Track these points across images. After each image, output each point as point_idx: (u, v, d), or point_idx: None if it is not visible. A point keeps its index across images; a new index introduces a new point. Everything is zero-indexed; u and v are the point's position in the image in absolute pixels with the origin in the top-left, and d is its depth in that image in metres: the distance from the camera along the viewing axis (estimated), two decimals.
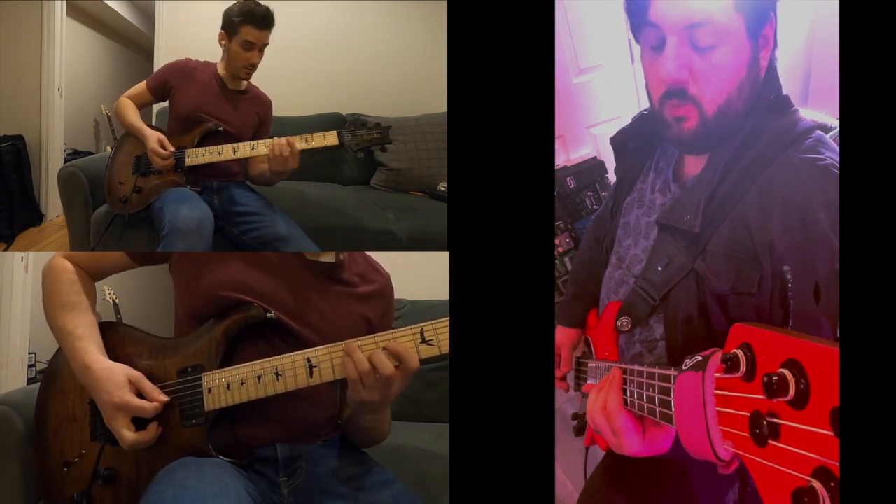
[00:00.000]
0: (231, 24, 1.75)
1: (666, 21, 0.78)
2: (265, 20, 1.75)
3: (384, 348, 0.90)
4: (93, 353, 0.96)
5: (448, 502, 1.00)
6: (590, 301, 1.12)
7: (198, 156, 1.72)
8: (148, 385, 0.95)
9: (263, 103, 1.92)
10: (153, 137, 1.72)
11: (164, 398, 0.95)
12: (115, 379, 0.93)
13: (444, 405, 1.69)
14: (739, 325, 0.53)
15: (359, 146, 1.66)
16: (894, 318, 0.62)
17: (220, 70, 1.83)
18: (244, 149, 1.68)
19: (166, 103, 1.91)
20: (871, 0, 0.72)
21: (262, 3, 1.78)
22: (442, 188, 2.48)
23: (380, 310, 1.13)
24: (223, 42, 1.79)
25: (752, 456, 0.48)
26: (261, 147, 1.66)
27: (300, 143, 1.63)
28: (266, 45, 1.78)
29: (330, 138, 1.65)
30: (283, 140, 1.60)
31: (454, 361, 1.00)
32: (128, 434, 0.92)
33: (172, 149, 1.73)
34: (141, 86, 1.87)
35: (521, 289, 1.01)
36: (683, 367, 0.62)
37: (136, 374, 0.95)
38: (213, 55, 1.86)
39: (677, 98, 0.81)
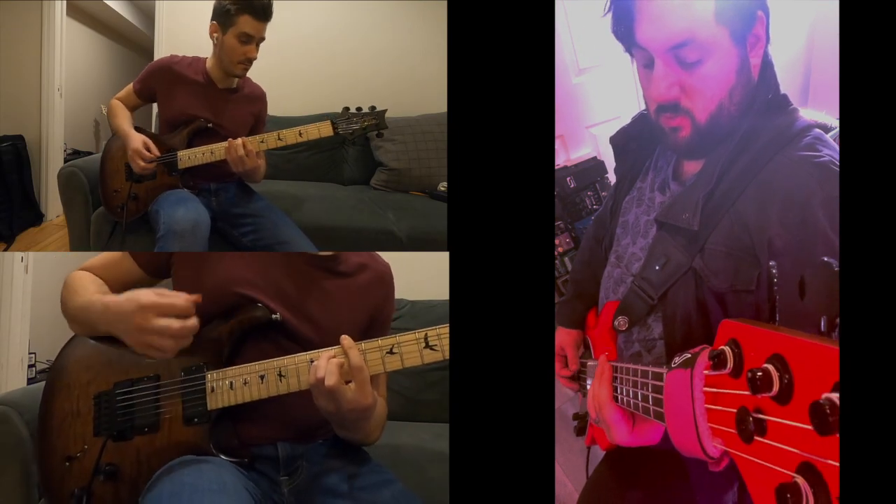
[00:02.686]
0: (226, 14, 1.62)
1: (651, 44, 0.80)
2: (265, 11, 1.62)
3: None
4: (108, 296, 0.99)
5: (448, 502, 1.00)
6: (590, 301, 1.12)
7: (190, 157, 1.66)
8: (168, 293, 0.95)
9: (257, 99, 1.83)
10: (137, 139, 1.65)
11: (187, 297, 0.94)
12: (134, 297, 0.93)
13: (444, 405, 1.69)
14: (727, 321, 0.52)
15: (354, 134, 1.62)
16: (894, 316, 0.62)
17: (210, 67, 1.72)
18: None
19: None
20: (871, 0, 0.72)
21: None
22: (442, 188, 2.48)
23: (380, 297, 1.13)
24: (215, 34, 1.66)
25: (739, 452, 0.48)
26: (251, 145, 1.60)
27: (293, 137, 1.60)
28: (263, 39, 1.66)
29: (324, 129, 1.60)
30: (238, 141, 1.56)
31: (454, 362, 0.99)
32: (173, 323, 0.92)
33: (157, 153, 1.66)
34: (129, 88, 1.80)
35: (521, 289, 1.01)
36: (672, 365, 0.62)
37: (152, 293, 0.94)
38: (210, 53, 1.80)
39: (670, 112, 0.83)
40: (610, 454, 1.03)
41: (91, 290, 1.03)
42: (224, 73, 1.71)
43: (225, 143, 1.63)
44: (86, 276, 1.09)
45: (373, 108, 1.64)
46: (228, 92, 1.76)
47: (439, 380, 1.73)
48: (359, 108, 1.64)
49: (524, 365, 1.00)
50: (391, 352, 0.91)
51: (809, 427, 0.40)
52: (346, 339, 0.90)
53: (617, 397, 0.77)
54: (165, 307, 0.93)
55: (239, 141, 1.56)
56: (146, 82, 1.78)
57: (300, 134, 1.59)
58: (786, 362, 0.43)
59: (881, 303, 0.62)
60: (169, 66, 1.75)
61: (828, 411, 0.38)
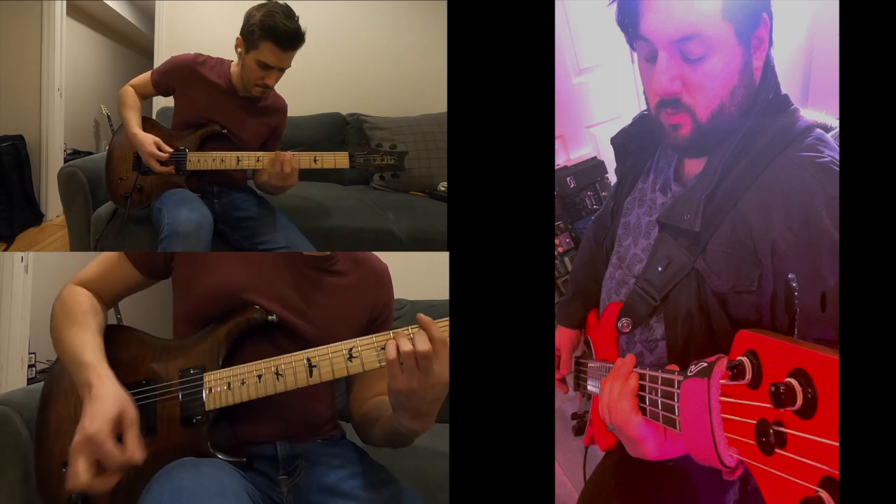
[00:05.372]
0: (250, 35, 1.54)
1: (656, 36, 0.79)
2: (291, 41, 1.52)
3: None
4: (100, 371, 0.90)
5: (448, 502, 1.00)
6: (590, 301, 1.12)
7: (199, 161, 1.65)
8: (134, 434, 0.85)
9: (278, 112, 1.79)
10: (148, 141, 1.63)
11: (139, 458, 0.84)
12: (103, 408, 0.84)
13: (444, 405, 1.69)
14: (744, 331, 0.53)
15: (369, 171, 1.59)
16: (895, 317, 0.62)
17: (234, 74, 1.69)
18: (249, 160, 1.61)
19: (170, 99, 1.82)
20: (871, 0, 0.72)
21: (291, 15, 1.54)
22: (442, 188, 2.48)
23: (377, 295, 1.13)
24: (239, 49, 1.61)
25: (757, 464, 0.48)
26: (266, 159, 1.59)
27: (307, 163, 1.57)
28: (287, 67, 1.59)
29: (340, 160, 1.57)
30: (287, 155, 1.53)
31: (454, 361, 0.99)
32: (83, 474, 0.80)
33: (170, 151, 1.65)
34: (146, 76, 1.76)
35: (521, 289, 1.01)
36: (689, 374, 0.62)
37: (131, 417, 0.86)
38: (215, 55, 1.78)
39: (671, 107, 0.82)
40: (610, 454, 1.03)
41: (88, 347, 0.94)
42: (244, 86, 1.68)
43: (236, 154, 1.61)
44: (83, 301, 1.02)
45: (394, 146, 1.60)
46: (249, 101, 1.73)
47: None
48: (379, 145, 1.63)
49: (524, 365, 1.00)
50: (384, 347, 0.91)
51: (837, 443, 0.40)
52: (423, 317, 0.88)
53: (645, 409, 0.72)
54: (102, 453, 0.82)
55: (288, 156, 1.53)
56: (166, 76, 1.74)
57: (314, 160, 1.56)
58: (809, 377, 0.43)
59: (882, 303, 0.62)
60: (192, 66, 1.71)
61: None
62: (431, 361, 0.85)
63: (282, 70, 1.62)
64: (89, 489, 0.82)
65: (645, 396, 0.72)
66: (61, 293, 1.05)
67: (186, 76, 1.71)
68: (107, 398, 0.86)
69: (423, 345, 0.85)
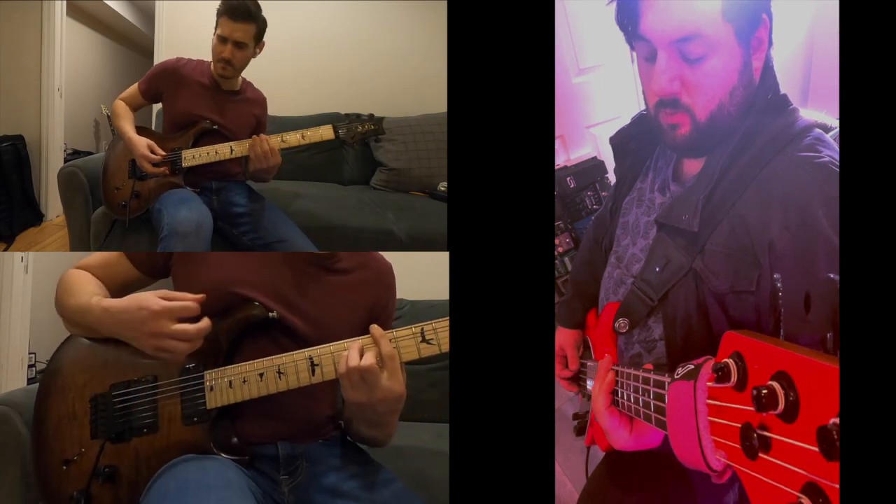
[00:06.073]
0: (216, 17, 1.69)
1: (655, 36, 0.79)
2: (238, 12, 1.65)
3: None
4: (106, 300, 0.97)
5: (448, 502, 1.00)
6: (589, 301, 1.12)
7: (194, 157, 1.70)
8: (175, 294, 0.94)
9: (258, 103, 1.87)
10: (141, 144, 1.68)
11: (200, 296, 0.94)
12: (140, 297, 0.93)
13: (444, 405, 1.69)
14: (731, 333, 0.52)
15: (354, 139, 1.68)
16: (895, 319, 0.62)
17: (213, 70, 1.77)
18: (241, 147, 1.66)
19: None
20: (871, 0, 0.72)
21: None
22: (442, 188, 2.48)
23: (379, 294, 1.13)
24: (213, 36, 1.72)
25: (743, 468, 0.48)
26: (245, 145, 1.65)
27: (295, 140, 1.64)
28: (243, 43, 1.67)
29: (325, 132, 1.65)
30: (260, 137, 1.61)
31: (454, 361, 1.00)
32: (189, 328, 0.91)
33: (163, 153, 1.69)
34: (134, 88, 1.84)
35: (521, 289, 1.01)
36: (676, 376, 0.62)
37: (161, 291, 0.94)
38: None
39: (670, 107, 0.82)
40: (609, 455, 1.03)
41: (88, 292, 1.02)
42: (217, 73, 1.75)
43: (229, 144, 1.67)
44: (83, 275, 1.07)
45: (371, 115, 1.70)
46: (231, 94, 1.80)
47: (440, 380, 1.73)
48: (358, 115, 1.70)
49: (524, 365, 1.00)
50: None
51: (816, 449, 0.40)
52: (376, 329, 0.92)
53: (622, 403, 0.77)
54: (178, 311, 0.92)
55: (263, 136, 1.61)
56: (152, 83, 1.81)
57: (303, 137, 1.64)
58: (791, 380, 0.43)
59: (882, 303, 0.62)
60: (175, 68, 1.78)
61: (835, 436, 0.38)
62: (377, 376, 0.88)
63: (238, 46, 1.67)
64: (202, 334, 0.93)
65: (620, 392, 0.77)
66: (64, 275, 1.06)
67: (172, 79, 1.78)
68: (134, 302, 0.94)
69: (367, 360, 0.88)
